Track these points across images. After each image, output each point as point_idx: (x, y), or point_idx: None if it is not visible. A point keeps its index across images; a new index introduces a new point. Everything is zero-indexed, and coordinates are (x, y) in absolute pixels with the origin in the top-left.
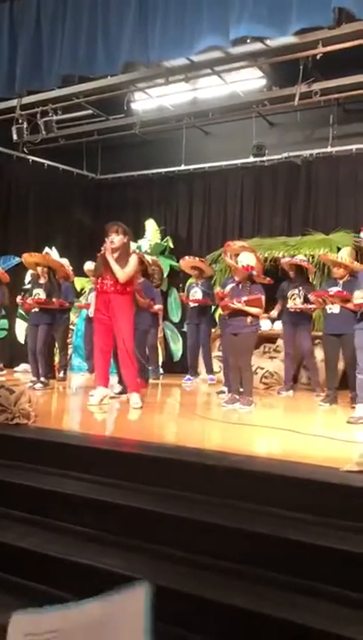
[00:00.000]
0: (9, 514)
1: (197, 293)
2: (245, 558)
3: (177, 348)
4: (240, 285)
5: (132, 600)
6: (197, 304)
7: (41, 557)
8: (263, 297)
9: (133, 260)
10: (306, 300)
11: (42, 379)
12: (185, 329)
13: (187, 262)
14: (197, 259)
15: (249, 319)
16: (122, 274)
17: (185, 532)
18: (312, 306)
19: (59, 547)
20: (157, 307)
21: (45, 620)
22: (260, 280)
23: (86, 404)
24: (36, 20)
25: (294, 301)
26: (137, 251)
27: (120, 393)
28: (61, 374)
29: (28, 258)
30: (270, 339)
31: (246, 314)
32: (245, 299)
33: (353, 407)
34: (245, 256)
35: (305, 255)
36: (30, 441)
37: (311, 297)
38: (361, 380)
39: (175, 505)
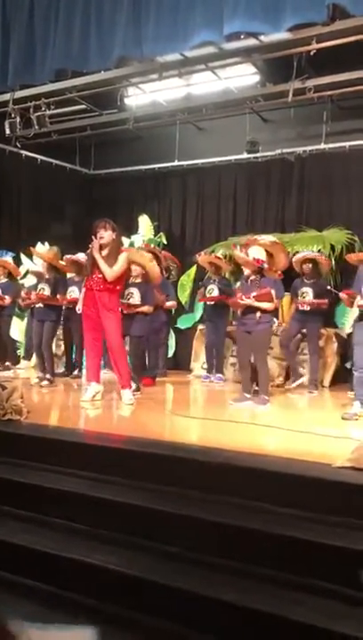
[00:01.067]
0: (2, 510)
1: (213, 291)
2: (239, 555)
3: (171, 343)
4: (249, 281)
5: None
6: (213, 302)
7: (35, 554)
8: (274, 291)
9: (123, 258)
10: (317, 297)
11: (47, 375)
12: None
13: (205, 258)
14: (213, 255)
15: (258, 314)
16: (110, 273)
17: (180, 529)
18: (324, 301)
19: (53, 543)
20: (170, 303)
21: None
22: (271, 274)
23: (80, 401)
24: (30, 14)
25: (304, 298)
26: (150, 245)
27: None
28: (76, 372)
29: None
30: None
31: (257, 309)
32: (254, 294)
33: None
34: (254, 250)
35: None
36: (22, 437)
37: (342, 295)
38: (358, 378)
39: (170, 502)
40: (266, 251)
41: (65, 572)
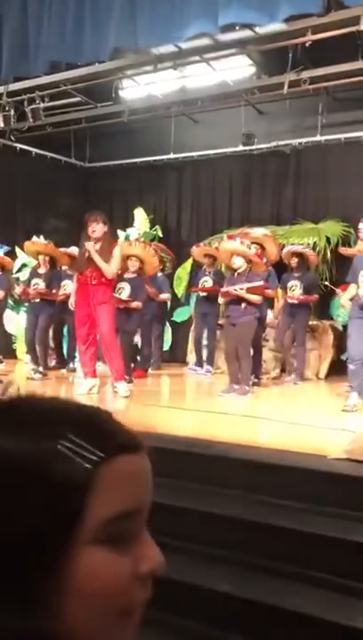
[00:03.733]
0: None
1: (207, 282)
2: (233, 545)
3: (167, 337)
4: (237, 273)
5: None
6: (205, 293)
7: None
8: (269, 282)
9: (117, 252)
10: (306, 291)
11: (40, 368)
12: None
13: (201, 250)
14: (211, 246)
15: (243, 306)
16: (109, 271)
17: (174, 520)
18: (312, 297)
19: None
20: (164, 296)
21: None
22: (259, 267)
23: (75, 395)
24: (23, 5)
25: (293, 292)
26: (145, 240)
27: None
28: (72, 365)
29: (29, 246)
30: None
31: (243, 301)
32: (247, 285)
33: None
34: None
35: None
36: None
37: (339, 291)
38: (353, 370)
39: (162, 493)
40: (258, 243)
41: None
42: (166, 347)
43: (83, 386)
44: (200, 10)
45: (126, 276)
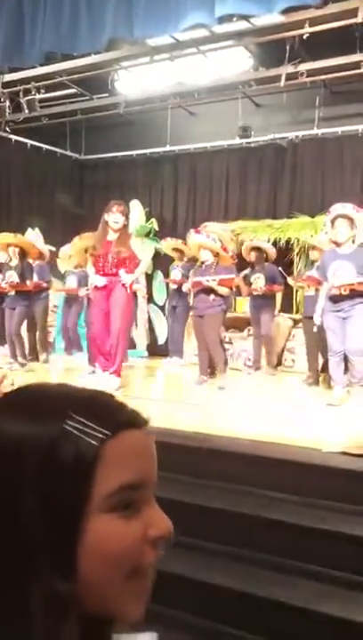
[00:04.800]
0: None
1: (176, 275)
2: (229, 538)
3: (162, 330)
4: (204, 265)
5: None
6: (176, 285)
7: None
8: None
9: (140, 269)
10: (267, 282)
11: (19, 359)
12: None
13: (168, 244)
14: (179, 240)
15: (211, 297)
16: (128, 280)
17: (172, 514)
18: (277, 287)
19: None
20: (136, 286)
21: None
22: (225, 260)
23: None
24: None
25: (257, 284)
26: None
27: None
28: (44, 356)
29: None
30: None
31: (210, 292)
32: (220, 277)
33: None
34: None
35: (291, 238)
36: None
37: (290, 280)
38: (334, 362)
39: (159, 487)
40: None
41: None
42: (162, 340)
43: (109, 382)
44: (197, 1)
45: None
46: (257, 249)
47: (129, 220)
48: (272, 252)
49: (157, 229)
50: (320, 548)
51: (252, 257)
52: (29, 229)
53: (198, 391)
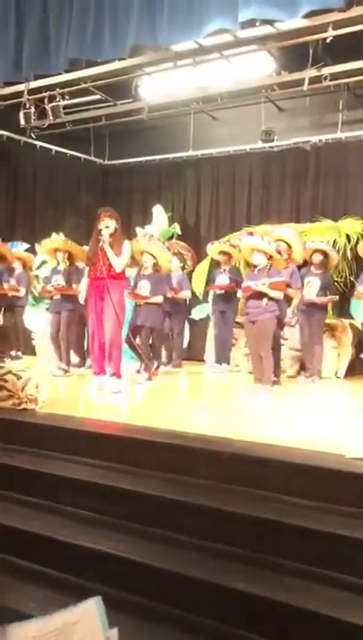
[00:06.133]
0: (15, 498)
1: (223, 280)
2: (250, 544)
3: (185, 335)
4: (256, 269)
5: (87, 612)
6: (222, 291)
7: (46, 541)
8: (292, 281)
9: (127, 246)
10: (323, 290)
11: (62, 365)
12: (193, 316)
13: (215, 247)
14: (227, 243)
15: (264, 301)
16: (119, 264)
17: (191, 518)
18: (327, 298)
19: (64, 530)
20: (184, 293)
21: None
22: (279, 264)
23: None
24: (43, 4)
25: (310, 288)
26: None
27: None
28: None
29: (47, 244)
30: None
31: (264, 297)
32: (269, 281)
33: None
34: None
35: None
36: (37, 426)
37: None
38: None
39: (180, 490)
40: (284, 242)
41: (75, 558)
42: (185, 344)
43: (110, 384)
44: (220, 6)
45: (145, 273)
46: (323, 252)
47: (120, 224)
48: (335, 258)
49: (179, 233)
50: (342, 554)
51: (316, 259)
52: (54, 234)
53: (250, 399)
